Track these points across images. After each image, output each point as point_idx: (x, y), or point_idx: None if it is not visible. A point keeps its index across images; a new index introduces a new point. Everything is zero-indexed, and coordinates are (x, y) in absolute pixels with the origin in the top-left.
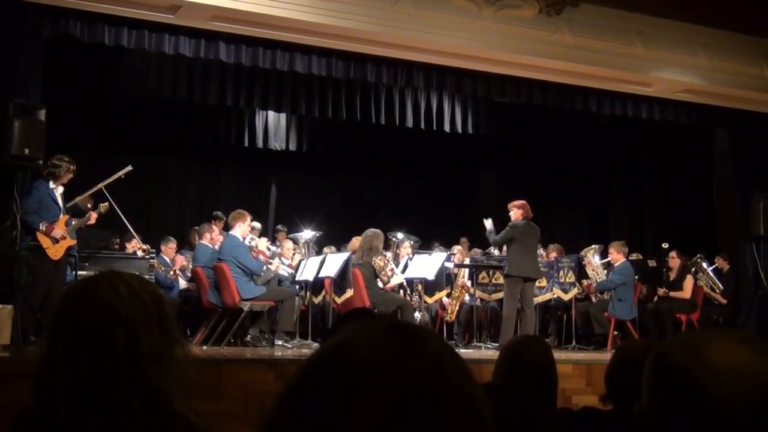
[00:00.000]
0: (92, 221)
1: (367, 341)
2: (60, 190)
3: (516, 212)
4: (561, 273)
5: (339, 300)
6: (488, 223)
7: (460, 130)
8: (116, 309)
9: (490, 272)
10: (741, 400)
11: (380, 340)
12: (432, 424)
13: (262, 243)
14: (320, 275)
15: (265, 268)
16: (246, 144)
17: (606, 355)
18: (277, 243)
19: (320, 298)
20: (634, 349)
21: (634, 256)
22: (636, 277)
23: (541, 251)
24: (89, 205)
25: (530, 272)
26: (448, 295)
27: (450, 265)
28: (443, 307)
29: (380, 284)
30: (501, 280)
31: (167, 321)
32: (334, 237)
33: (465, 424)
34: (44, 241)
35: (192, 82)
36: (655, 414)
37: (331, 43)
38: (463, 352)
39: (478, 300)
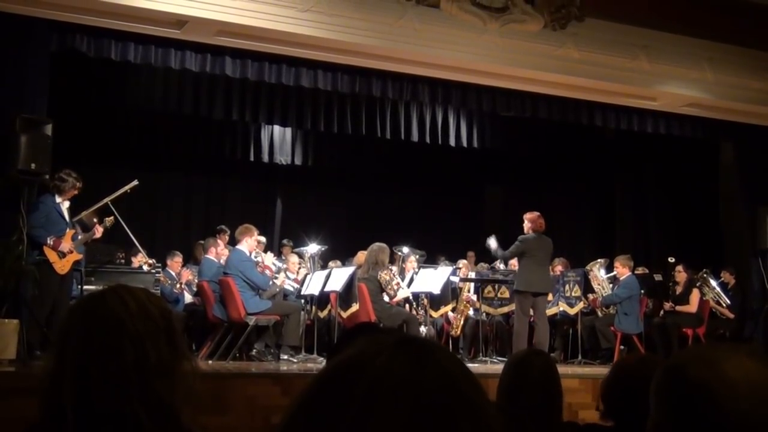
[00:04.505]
0: (98, 235)
1: (379, 355)
2: (66, 204)
3: (526, 225)
4: (567, 287)
5: (344, 314)
6: (492, 241)
7: (465, 144)
8: (125, 323)
9: (496, 286)
10: (757, 414)
11: (391, 354)
12: None
13: (269, 258)
14: (326, 289)
15: (270, 283)
16: (252, 158)
17: None
18: (283, 257)
19: (326, 312)
20: (630, 365)
21: (639, 270)
22: (642, 291)
23: None
24: (95, 220)
25: (541, 287)
26: (453, 310)
27: (455, 279)
28: (449, 322)
29: (386, 298)
30: (506, 294)
31: (175, 335)
32: (339, 251)
33: None
34: (51, 256)
35: (198, 96)
36: (667, 428)
37: (336, 58)
38: (469, 366)
39: (484, 314)
